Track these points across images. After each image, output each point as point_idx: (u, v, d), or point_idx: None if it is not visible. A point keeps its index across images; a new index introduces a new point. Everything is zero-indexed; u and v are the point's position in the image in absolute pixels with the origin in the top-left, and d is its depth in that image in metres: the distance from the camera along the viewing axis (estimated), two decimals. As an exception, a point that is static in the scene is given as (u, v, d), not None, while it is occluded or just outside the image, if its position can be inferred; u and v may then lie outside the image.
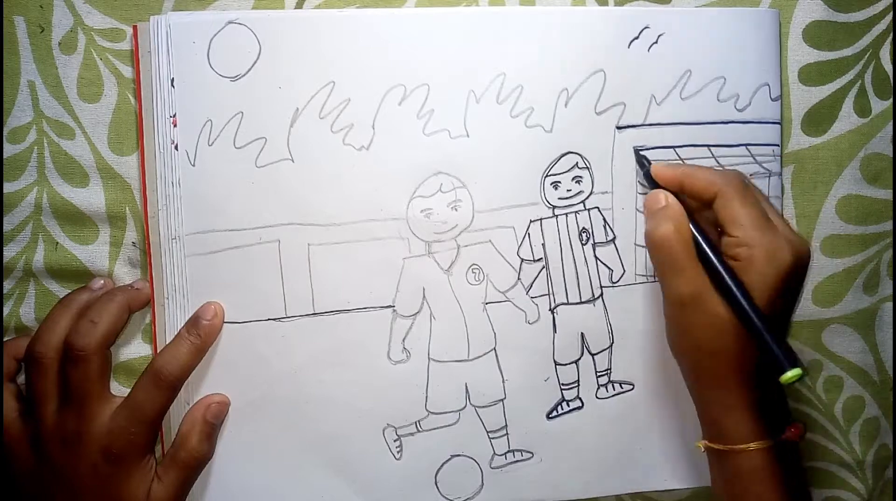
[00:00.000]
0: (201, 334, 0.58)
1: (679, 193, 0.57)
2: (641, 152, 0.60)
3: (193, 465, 0.58)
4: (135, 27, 0.58)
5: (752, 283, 0.52)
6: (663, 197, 0.56)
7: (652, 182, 0.58)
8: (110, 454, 0.56)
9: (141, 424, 0.56)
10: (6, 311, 0.61)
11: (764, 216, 0.54)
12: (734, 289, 0.52)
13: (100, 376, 0.56)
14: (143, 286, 0.60)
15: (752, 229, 0.53)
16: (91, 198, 0.60)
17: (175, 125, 0.58)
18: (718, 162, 0.61)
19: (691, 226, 0.55)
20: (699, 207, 0.57)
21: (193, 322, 0.59)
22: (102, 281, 0.60)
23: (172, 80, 0.57)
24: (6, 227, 0.60)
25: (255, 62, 0.57)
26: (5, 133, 0.59)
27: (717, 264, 0.53)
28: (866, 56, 0.63)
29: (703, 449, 0.57)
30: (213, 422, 0.59)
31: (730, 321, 0.52)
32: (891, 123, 0.64)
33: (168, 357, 0.57)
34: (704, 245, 0.54)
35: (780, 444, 0.54)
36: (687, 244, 0.54)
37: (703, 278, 0.53)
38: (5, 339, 0.60)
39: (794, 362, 0.51)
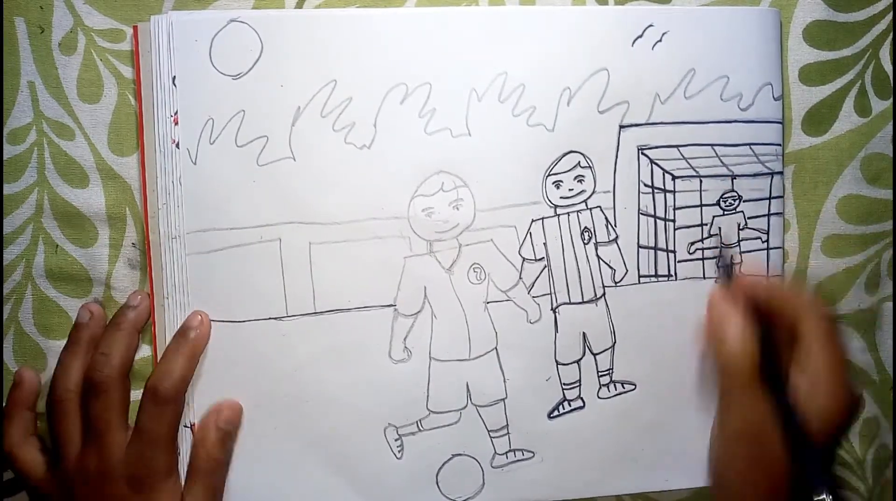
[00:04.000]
0: (190, 343, 0.58)
1: (761, 305, 0.57)
2: (731, 261, 0.61)
3: (213, 471, 0.58)
4: (135, 27, 0.58)
5: (809, 416, 0.53)
6: (730, 314, 0.56)
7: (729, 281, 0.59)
8: (134, 482, 0.56)
9: (155, 447, 0.56)
10: (4, 315, 0.61)
11: (842, 361, 0.54)
12: (791, 412, 0.53)
13: (120, 405, 0.57)
14: (142, 300, 0.60)
15: (826, 369, 0.53)
16: (91, 199, 0.60)
17: (176, 124, 0.58)
18: (722, 161, 0.61)
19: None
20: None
21: (181, 333, 0.59)
22: (90, 312, 0.59)
23: (174, 78, 0.57)
24: (6, 229, 0.60)
25: (257, 61, 0.57)
26: (5, 134, 0.59)
27: (783, 399, 0.54)
28: (866, 56, 0.63)
29: None
30: (224, 428, 0.59)
31: (783, 459, 0.53)
32: (891, 122, 0.64)
33: (161, 374, 0.57)
34: (773, 377, 0.54)
35: None
36: (754, 376, 0.54)
37: (766, 410, 0.53)
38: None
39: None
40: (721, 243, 0.61)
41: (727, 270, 0.60)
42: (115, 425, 0.56)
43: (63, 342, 0.60)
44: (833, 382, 0.53)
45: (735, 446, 0.54)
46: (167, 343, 0.59)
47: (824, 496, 0.51)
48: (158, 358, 0.59)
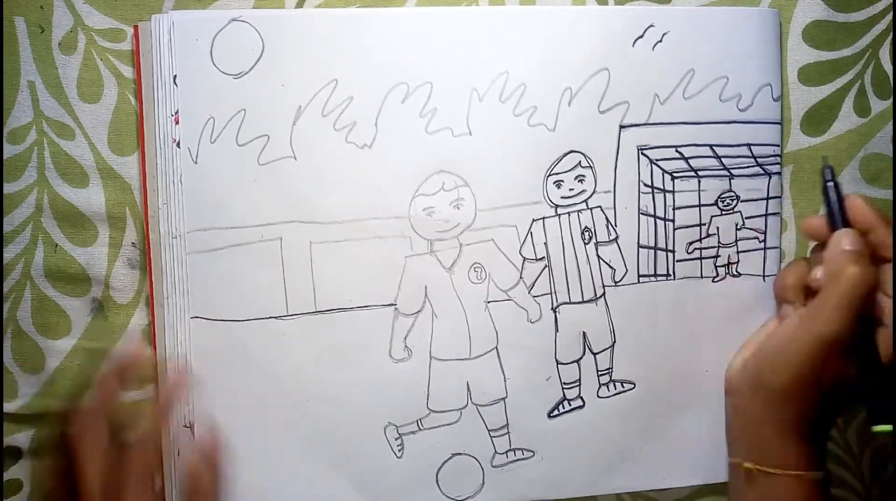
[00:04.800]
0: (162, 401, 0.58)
1: (865, 233, 0.56)
2: (835, 180, 0.59)
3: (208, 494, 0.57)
4: (136, 27, 0.58)
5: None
6: (861, 243, 0.56)
7: (838, 209, 0.58)
8: None
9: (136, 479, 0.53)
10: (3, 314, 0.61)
11: None
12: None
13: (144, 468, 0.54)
14: (136, 355, 0.58)
15: None
16: (91, 198, 0.60)
17: (177, 123, 0.58)
18: (721, 161, 0.62)
19: None
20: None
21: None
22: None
23: (175, 77, 0.57)
24: (6, 228, 0.60)
25: (258, 60, 0.57)
26: (5, 133, 0.59)
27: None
28: (866, 56, 0.63)
29: (752, 469, 0.58)
30: (207, 456, 0.57)
31: (852, 374, 0.54)
32: (890, 123, 0.64)
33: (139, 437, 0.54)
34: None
35: (825, 478, 0.56)
36: (864, 297, 0.54)
37: (852, 331, 0.54)
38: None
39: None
40: (824, 161, 0.60)
41: (836, 194, 0.58)
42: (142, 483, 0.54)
43: (62, 342, 0.61)
44: None
45: (812, 348, 0.54)
46: (167, 357, 0.59)
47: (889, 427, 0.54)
48: (157, 359, 0.60)
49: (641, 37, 0.60)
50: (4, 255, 0.60)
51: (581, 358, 0.62)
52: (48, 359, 0.61)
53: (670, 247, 0.62)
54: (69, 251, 0.60)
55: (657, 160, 0.61)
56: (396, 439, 0.61)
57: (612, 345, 0.62)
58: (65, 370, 0.61)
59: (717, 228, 0.63)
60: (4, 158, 0.59)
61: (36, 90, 0.59)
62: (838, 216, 0.57)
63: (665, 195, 0.62)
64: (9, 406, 0.61)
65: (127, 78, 0.59)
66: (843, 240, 0.55)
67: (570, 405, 0.62)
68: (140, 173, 0.59)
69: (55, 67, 0.59)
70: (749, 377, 0.59)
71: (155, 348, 0.60)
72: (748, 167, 0.62)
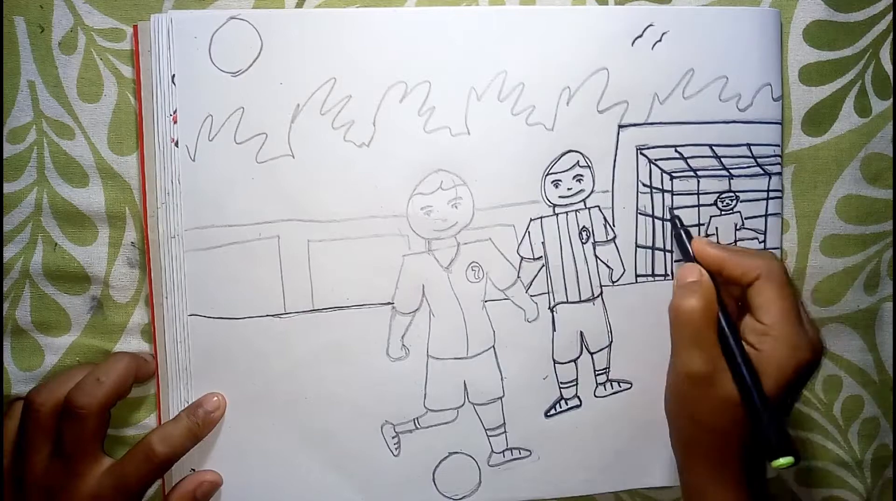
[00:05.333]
0: (199, 422, 0.59)
1: (716, 273, 0.57)
2: (683, 227, 0.61)
3: None
4: (135, 26, 0.58)
5: (769, 374, 0.53)
6: (698, 272, 0.56)
7: (688, 254, 0.59)
8: None
9: (123, 496, 0.56)
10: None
11: (795, 311, 0.55)
12: (746, 375, 0.53)
13: (94, 436, 0.56)
14: (151, 360, 0.60)
15: (783, 323, 0.54)
16: (91, 198, 0.60)
17: (175, 122, 0.58)
18: (720, 161, 0.61)
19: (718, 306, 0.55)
20: (725, 283, 0.57)
21: (195, 408, 0.59)
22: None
23: (173, 76, 0.57)
24: (6, 227, 0.60)
25: (257, 58, 0.57)
26: (5, 133, 0.59)
27: (736, 349, 0.54)
28: (866, 56, 0.63)
29: None
30: (200, 500, 0.59)
31: (737, 404, 0.53)
32: (891, 123, 0.64)
33: (163, 435, 0.57)
34: (727, 329, 0.54)
35: None
36: (712, 323, 0.54)
37: (719, 359, 0.54)
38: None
39: (790, 449, 0.52)
40: (672, 214, 0.61)
41: (679, 238, 0.60)
42: (89, 454, 0.56)
43: (61, 340, 0.61)
44: (789, 332, 0.54)
45: (688, 389, 0.54)
46: (167, 356, 0.59)
47: (783, 460, 0.52)
48: (157, 358, 0.60)
49: (640, 36, 0.60)
50: (4, 254, 0.60)
51: (578, 358, 0.62)
52: (47, 356, 0.61)
53: (668, 247, 0.62)
54: (69, 251, 0.60)
55: (656, 160, 0.61)
56: (393, 437, 0.61)
57: (610, 345, 0.62)
58: (62, 366, 0.61)
59: (717, 228, 0.63)
60: (4, 157, 0.59)
61: (36, 90, 0.59)
62: (689, 260, 0.59)
63: (664, 195, 0.62)
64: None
65: (126, 78, 0.59)
66: (683, 274, 0.57)
67: (567, 404, 0.62)
68: (139, 173, 0.59)
69: (55, 66, 0.59)
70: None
71: (155, 347, 0.60)
72: (748, 167, 0.62)
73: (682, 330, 0.55)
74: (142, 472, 0.56)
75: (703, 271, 0.56)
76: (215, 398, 0.59)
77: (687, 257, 0.59)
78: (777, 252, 0.63)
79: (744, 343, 0.55)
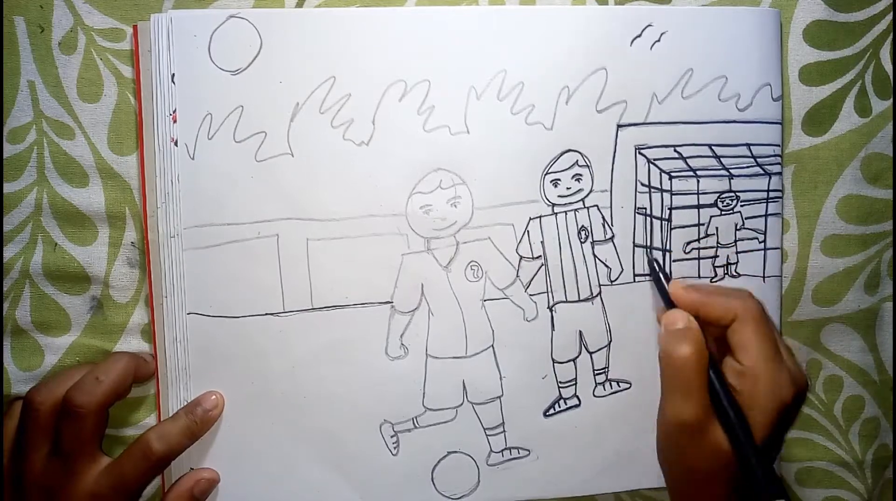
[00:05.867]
0: (197, 420, 0.59)
1: (693, 315, 0.56)
2: (661, 270, 0.61)
3: None
4: (135, 26, 0.58)
5: (753, 415, 0.52)
6: (686, 319, 0.55)
7: (667, 297, 0.58)
8: None
9: (122, 495, 0.56)
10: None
11: (774, 349, 0.54)
12: (733, 419, 0.52)
13: (93, 435, 0.56)
14: (150, 360, 0.60)
15: (762, 361, 0.53)
16: (91, 198, 0.60)
17: (175, 122, 0.58)
18: (720, 161, 0.61)
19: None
20: (703, 324, 0.56)
21: (193, 406, 0.59)
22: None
23: (173, 76, 0.58)
24: (6, 227, 0.60)
25: (256, 56, 0.58)
26: (5, 133, 0.59)
27: (723, 396, 0.53)
28: (866, 56, 0.63)
29: None
30: (198, 498, 0.59)
31: (727, 453, 0.52)
32: (891, 122, 0.64)
33: (160, 433, 0.57)
34: (714, 377, 0.54)
35: None
36: (703, 371, 0.53)
37: (709, 407, 0.53)
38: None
39: (779, 492, 0.51)
40: (648, 247, 0.61)
41: (658, 282, 0.60)
42: (87, 454, 0.56)
43: (61, 340, 0.61)
44: (769, 371, 0.53)
45: (679, 437, 0.53)
46: (167, 356, 0.59)
47: None
48: (157, 358, 0.60)
49: (639, 36, 0.60)
50: (4, 254, 0.60)
51: (577, 357, 0.62)
52: (46, 356, 0.61)
53: (667, 247, 0.62)
54: (69, 251, 0.60)
55: (655, 160, 0.61)
56: (392, 436, 0.61)
57: (609, 344, 0.62)
58: (62, 366, 0.61)
59: (717, 228, 0.62)
60: (4, 157, 0.59)
61: (36, 90, 0.59)
62: (668, 302, 0.58)
63: (663, 195, 0.62)
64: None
65: (126, 78, 0.59)
66: (670, 320, 0.56)
67: (565, 404, 0.62)
68: (139, 173, 0.59)
69: (55, 66, 0.59)
70: None
71: (155, 347, 0.60)
72: (748, 167, 0.62)
73: (675, 379, 0.54)
74: (139, 470, 0.56)
75: (691, 318, 0.55)
76: (213, 397, 0.59)
77: (666, 300, 0.58)
78: (777, 253, 0.63)
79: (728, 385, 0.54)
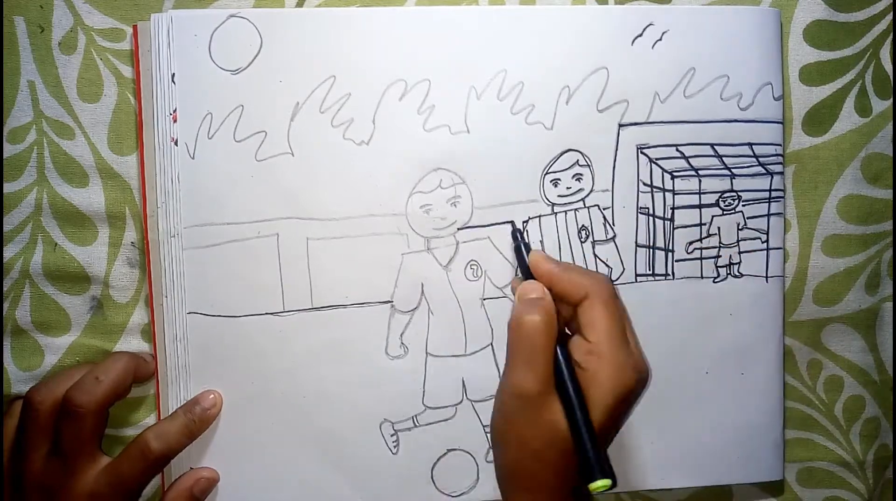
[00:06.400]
0: (196, 419, 0.58)
1: (547, 287, 0.54)
2: (523, 240, 0.59)
3: None
4: (135, 26, 0.59)
5: (593, 393, 0.50)
6: (541, 289, 0.54)
7: (526, 269, 0.56)
8: None
9: (121, 494, 0.56)
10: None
11: (621, 330, 0.52)
12: (571, 394, 0.50)
13: (92, 435, 0.56)
14: (150, 360, 0.60)
15: (608, 341, 0.51)
16: (91, 198, 0.60)
17: (175, 121, 0.58)
18: (722, 161, 0.61)
19: None
20: (556, 300, 0.54)
21: (191, 405, 0.59)
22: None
23: (173, 75, 0.58)
24: (6, 227, 0.60)
25: (256, 56, 0.58)
26: (5, 133, 0.59)
27: (565, 369, 0.51)
28: (867, 56, 0.63)
29: None
30: (198, 497, 0.59)
31: (563, 431, 0.50)
32: (891, 122, 0.64)
33: (158, 432, 0.57)
34: (559, 352, 0.52)
35: None
36: (550, 342, 0.51)
37: (551, 380, 0.51)
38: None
39: (607, 472, 0.50)
40: (514, 226, 0.60)
41: (518, 251, 0.58)
42: (86, 453, 0.56)
43: (61, 340, 0.61)
44: (614, 350, 0.51)
45: (518, 407, 0.51)
46: (167, 356, 0.59)
47: (599, 483, 0.49)
48: (157, 358, 0.60)
49: (640, 35, 0.60)
50: (4, 254, 0.60)
51: (577, 357, 0.62)
52: (46, 356, 0.61)
53: (669, 247, 0.62)
54: (69, 251, 0.60)
55: (657, 159, 0.61)
56: (392, 435, 0.61)
57: (609, 344, 0.62)
58: (62, 366, 0.61)
59: (719, 228, 0.62)
60: (4, 157, 0.59)
61: (36, 90, 0.59)
62: (526, 274, 0.56)
63: (664, 194, 0.62)
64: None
65: (126, 77, 0.60)
66: (526, 290, 0.54)
67: (566, 403, 0.62)
68: (139, 173, 0.59)
69: (55, 66, 0.59)
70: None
71: (154, 347, 0.60)
72: (750, 167, 0.62)
73: (520, 346, 0.52)
74: (138, 469, 0.56)
75: (546, 290, 0.54)
76: (212, 396, 0.59)
77: (525, 271, 0.57)
78: (779, 253, 0.63)
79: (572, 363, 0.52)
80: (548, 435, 0.50)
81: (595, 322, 0.52)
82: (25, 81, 0.59)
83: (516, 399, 0.51)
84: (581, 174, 0.61)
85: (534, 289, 0.54)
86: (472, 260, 0.60)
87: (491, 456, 0.62)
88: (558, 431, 0.50)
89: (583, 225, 0.61)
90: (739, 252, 0.63)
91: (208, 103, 0.58)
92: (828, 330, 0.65)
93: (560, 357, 0.51)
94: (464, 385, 0.61)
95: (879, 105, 0.64)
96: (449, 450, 0.62)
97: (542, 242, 0.61)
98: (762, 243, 0.63)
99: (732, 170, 0.62)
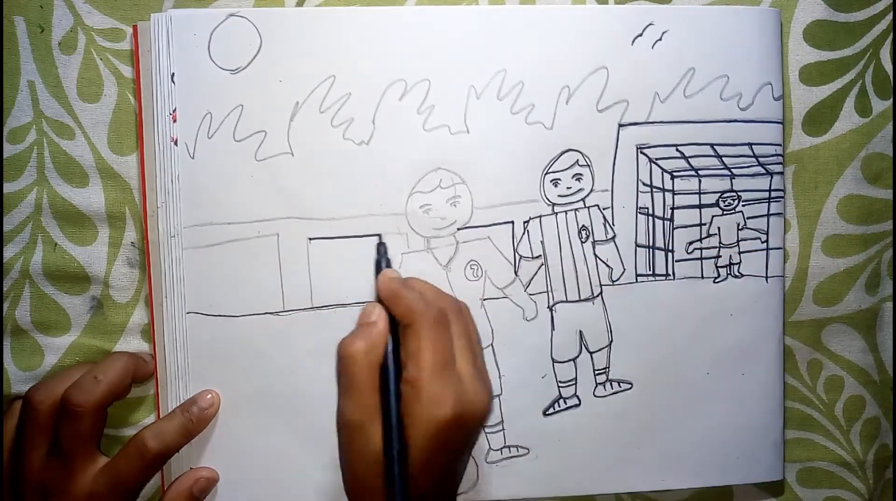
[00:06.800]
0: (193, 419, 0.58)
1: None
2: (384, 256, 0.55)
3: None
4: (135, 26, 0.59)
5: (409, 425, 0.48)
6: (376, 314, 0.50)
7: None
8: None
9: (119, 494, 0.56)
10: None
11: (445, 361, 0.49)
12: (392, 424, 0.48)
13: (91, 435, 0.56)
14: (150, 361, 0.60)
15: (424, 372, 0.48)
16: (91, 198, 0.60)
17: (175, 121, 0.58)
18: (722, 161, 0.61)
19: (389, 351, 0.50)
20: None
21: (189, 404, 0.59)
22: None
23: (173, 75, 0.58)
24: (6, 227, 0.60)
25: (256, 55, 0.58)
26: (5, 133, 0.59)
27: (382, 400, 0.49)
28: (867, 56, 0.63)
29: None
30: (197, 496, 0.59)
31: (381, 461, 0.48)
32: (891, 122, 0.64)
33: (156, 431, 0.57)
34: (382, 380, 0.49)
35: None
36: (372, 370, 0.49)
37: (373, 408, 0.48)
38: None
39: None
40: (380, 239, 0.56)
41: (378, 267, 0.54)
42: (85, 453, 0.56)
43: (61, 340, 0.61)
44: (428, 384, 0.48)
45: (343, 435, 0.49)
46: (166, 356, 0.59)
47: None
48: (156, 358, 0.60)
49: (640, 35, 0.60)
50: (4, 254, 0.60)
51: (577, 357, 0.62)
52: (46, 356, 0.61)
53: (669, 247, 0.62)
54: (69, 251, 0.60)
55: (657, 159, 0.61)
56: (391, 435, 0.61)
57: (609, 344, 0.62)
58: (62, 366, 0.61)
59: (719, 228, 0.62)
60: (4, 157, 0.59)
61: (36, 90, 0.59)
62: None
63: (664, 194, 0.62)
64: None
65: (126, 77, 0.60)
66: (364, 312, 0.51)
67: (565, 403, 0.62)
68: (139, 173, 0.59)
69: (55, 66, 0.59)
70: None
71: (154, 347, 0.60)
72: (750, 167, 0.62)
73: (342, 374, 0.49)
74: (135, 468, 0.56)
75: (383, 313, 0.51)
76: (209, 396, 0.59)
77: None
78: (779, 253, 0.63)
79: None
80: (367, 462, 0.48)
81: (414, 352, 0.49)
82: (25, 81, 0.59)
83: (343, 427, 0.49)
84: (581, 174, 0.61)
85: (373, 312, 0.51)
86: (472, 260, 0.60)
87: (491, 457, 0.62)
88: (379, 460, 0.48)
89: (583, 225, 0.61)
90: (739, 252, 0.63)
91: (208, 103, 0.58)
92: (828, 330, 0.65)
93: (389, 386, 0.49)
94: (464, 386, 0.61)
95: (879, 105, 0.64)
96: (449, 450, 0.62)
97: (542, 242, 0.61)
98: (762, 243, 0.63)
99: (732, 170, 0.62)
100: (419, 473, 0.47)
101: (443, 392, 0.48)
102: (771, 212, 0.63)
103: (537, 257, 0.61)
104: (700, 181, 0.62)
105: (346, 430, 0.49)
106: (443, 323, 0.50)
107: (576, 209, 0.61)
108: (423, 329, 0.49)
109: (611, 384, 0.62)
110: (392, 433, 0.47)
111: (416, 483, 0.47)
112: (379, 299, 0.51)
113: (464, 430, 0.49)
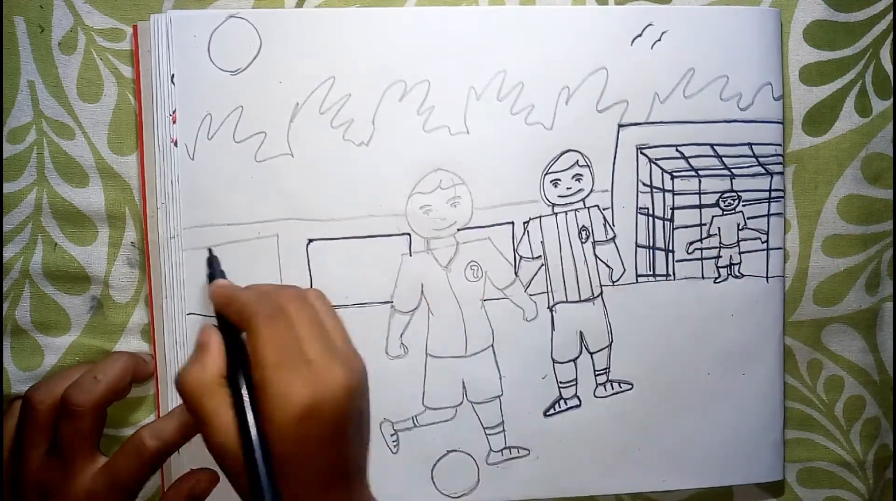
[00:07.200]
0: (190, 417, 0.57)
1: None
2: (217, 268, 0.55)
3: None
4: (135, 26, 0.58)
5: (268, 427, 0.46)
6: (205, 335, 0.50)
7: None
8: None
9: (118, 493, 0.55)
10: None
11: (291, 350, 0.47)
12: (252, 437, 0.46)
13: (91, 434, 0.55)
14: (150, 361, 0.60)
15: (267, 369, 0.47)
16: (91, 198, 0.60)
17: (175, 122, 0.58)
18: (722, 161, 0.61)
19: (238, 366, 0.49)
20: None
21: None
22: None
23: (172, 76, 0.58)
24: (5, 227, 0.60)
25: (256, 56, 0.58)
26: (5, 133, 0.59)
27: (235, 413, 0.47)
28: (867, 56, 0.63)
29: None
30: (198, 498, 0.58)
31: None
32: (891, 122, 0.64)
33: (154, 429, 0.55)
34: (232, 391, 0.48)
35: None
36: (211, 394, 0.48)
37: (228, 426, 0.47)
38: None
39: None
40: (210, 252, 0.57)
41: (211, 280, 0.55)
42: (85, 453, 0.55)
43: (61, 340, 0.61)
44: (277, 375, 0.46)
45: (218, 460, 0.48)
46: (166, 356, 0.59)
47: None
48: (156, 358, 0.60)
49: (640, 36, 0.60)
50: (4, 254, 0.60)
51: (578, 358, 0.62)
52: (46, 356, 0.61)
53: (669, 247, 0.62)
54: (69, 250, 0.60)
55: (657, 159, 0.61)
56: (392, 435, 0.61)
57: (610, 345, 0.62)
58: (62, 366, 0.61)
59: (719, 228, 0.62)
60: (4, 157, 0.59)
61: (36, 90, 0.59)
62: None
63: (664, 195, 0.62)
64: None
65: (126, 78, 0.59)
66: (196, 338, 0.50)
67: (566, 404, 0.62)
68: (139, 173, 0.59)
69: (55, 66, 0.59)
70: None
71: (154, 346, 0.60)
72: (750, 167, 0.62)
73: (189, 409, 0.49)
74: (134, 467, 0.55)
75: (213, 331, 0.50)
76: None
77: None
78: (780, 253, 0.63)
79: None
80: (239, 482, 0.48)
81: (255, 353, 0.48)
82: (25, 81, 0.59)
83: (213, 456, 0.48)
84: (581, 175, 0.61)
85: (199, 336, 0.50)
86: (472, 261, 0.60)
87: (492, 459, 0.62)
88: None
89: (583, 225, 0.61)
90: (740, 252, 0.63)
91: (208, 104, 0.58)
92: (828, 330, 0.65)
93: (241, 396, 0.47)
94: (464, 387, 0.61)
95: (879, 105, 0.64)
96: (449, 451, 0.62)
97: (542, 242, 0.61)
98: (762, 243, 0.63)
99: (732, 170, 0.62)
100: (297, 469, 0.47)
101: (290, 385, 0.46)
102: (771, 212, 0.63)
103: (537, 258, 0.61)
104: (700, 181, 0.62)
105: (216, 458, 0.48)
106: (278, 316, 0.48)
107: (576, 210, 0.61)
108: (260, 327, 0.48)
109: (611, 384, 0.62)
110: (251, 440, 0.46)
111: (298, 478, 0.47)
112: (216, 312, 0.50)
113: (327, 414, 0.47)
